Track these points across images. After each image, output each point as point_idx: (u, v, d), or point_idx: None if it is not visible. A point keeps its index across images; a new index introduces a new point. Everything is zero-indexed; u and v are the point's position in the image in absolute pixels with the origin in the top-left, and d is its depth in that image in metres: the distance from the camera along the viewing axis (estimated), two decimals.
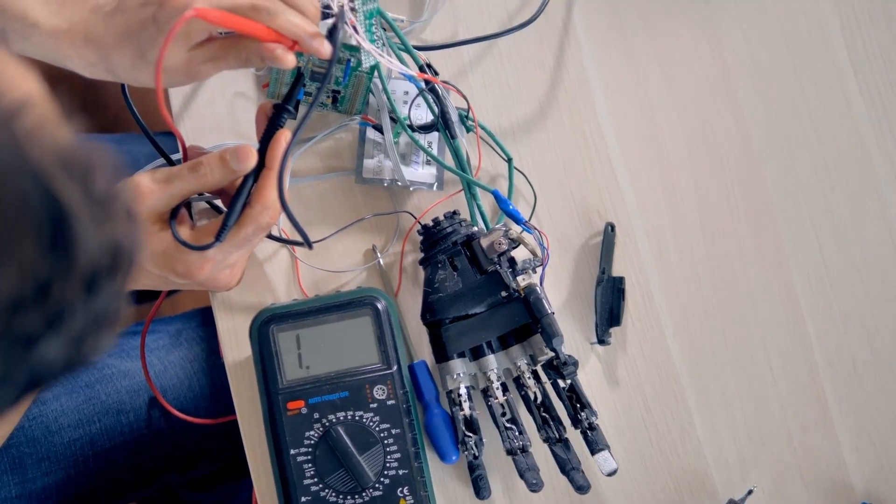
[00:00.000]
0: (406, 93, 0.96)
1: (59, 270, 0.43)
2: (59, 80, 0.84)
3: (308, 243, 0.85)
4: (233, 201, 0.83)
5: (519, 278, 0.91)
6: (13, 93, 0.45)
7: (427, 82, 0.91)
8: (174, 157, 0.92)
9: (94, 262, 0.45)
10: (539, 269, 0.92)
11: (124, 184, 0.82)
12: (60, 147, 0.44)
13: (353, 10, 0.86)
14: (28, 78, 0.48)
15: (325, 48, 0.80)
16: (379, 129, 0.95)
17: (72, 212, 0.43)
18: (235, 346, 0.94)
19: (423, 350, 0.95)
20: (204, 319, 1.18)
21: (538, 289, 0.90)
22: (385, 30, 0.93)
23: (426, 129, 0.94)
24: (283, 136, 0.83)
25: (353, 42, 0.87)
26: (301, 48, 0.80)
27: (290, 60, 0.79)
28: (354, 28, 0.86)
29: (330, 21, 0.84)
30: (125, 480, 1.12)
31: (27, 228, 0.42)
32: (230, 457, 1.17)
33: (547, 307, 0.89)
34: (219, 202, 0.93)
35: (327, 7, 0.86)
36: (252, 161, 0.82)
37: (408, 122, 0.93)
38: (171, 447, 1.12)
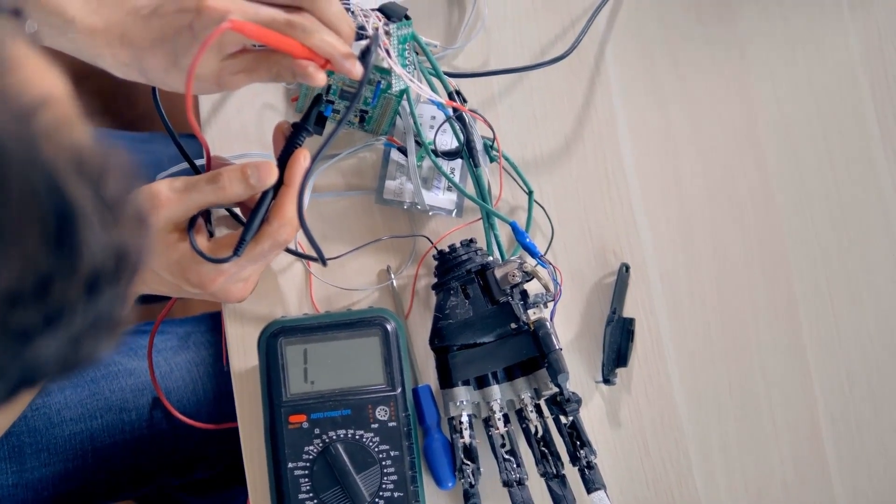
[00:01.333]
0: (433, 118, 0.96)
1: (61, 268, 0.44)
2: (87, 76, 0.85)
3: (322, 260, 0.85)
4: (251, 216, 0.83)
5: (530, 311, 0.91)
6: (35, 89, 0.45)
7: (455, 110, 0.92)
8: (198, 162, 0.93)
9: (98, 264, 0.45)
10: (550, 304, 0.92)
11: (140, 190, 0.83)
12: (76, 147, 0.44)
13: (387, 33, 0.87)
14: (52, 76, 0.48)
15: (357, 69, 0.81)
16: (403, 151, 0.95)
17: (80, 211, 0.44)
18: (242, 354, 0.95)
19: (428, 374, 0.95)
20: (214, 324, 1.19)
21: (548, 324, 0.90)
22: (417, 54, 0.93)
23: (450, 155, 0.95)
24: (302, 156, 0.84)
25: (385, 65, 0.88)
26: (333, 67, 0.81)
27: (321, 79, 0.80)
28: (387, 51, 0.87)
29: (364, 42, 0.85)
30: (122, 478, 1.12)
31: (33, 222, 0.42)
32: (228, 463, 1.17)
33: (555, 343, 0.89)
34: (237, 210, 0.93)
35: (362, 28, 0.87)
36: (272, 178, 0.82)
37: (432, 147, 0.94)
38: (170, 449, 1.13)
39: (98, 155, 0.46)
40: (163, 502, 1.32)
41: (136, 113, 1.67)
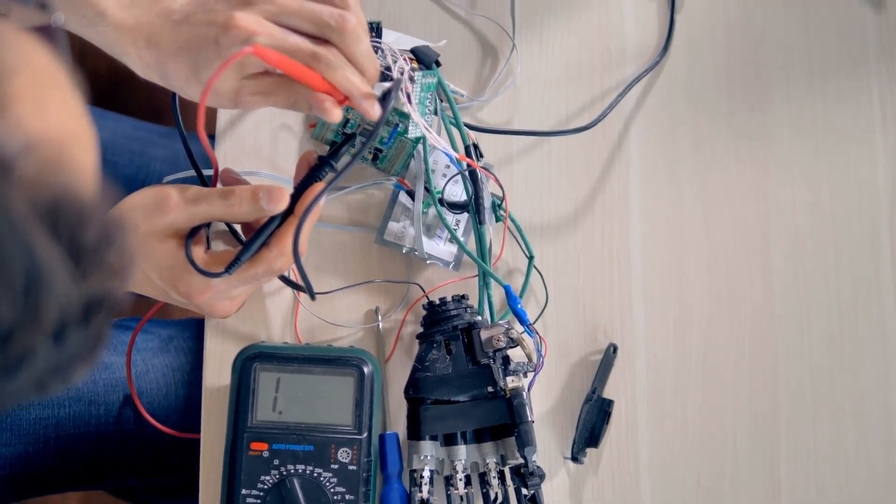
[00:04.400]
0: (447, 166, 0.95)
1: (24, 321, 0.43)
2: None
3: (311, 294, 0.84)
4: (252, 238, 0.83)
5: (509, 378, 0.90)
6: (24, 132, 0.44)
7: (468, 165, 0.91)
8: (206, 172, 0.92)
9: (64, 316, 0.44)
10: (530, 375, 0.91)
11: (150, 189, 0.83)
12: (56, 195, 0.43)
13: (411, 79, 0.86)
14: (57, 110, 0.47)
15: (375, 111, 0.80)
16: (412, 195, 0.94)
17: (47, 268, 0.42)
18: (217, 370, 0.94)
19: (399, 422, 0.94)
20: (198, 332, 1.18)
21: (524, 394, 0.89)
22: (441, 101, 0.93)
23: (457, 207, 0.94)
24: (318, 190, 0.83)
25: (405, 110, 0.87)
26: (351, 105, 0.80)
27: (336, 115, 0.79)
28: (408, 97, 0.86)
29: (387, 84, 0.84)
30: (81, 471, 1.11)
31: None
32: (188, 475, 1.16)
33: (528, 414, 0.88)
34: (238, 227, 0.93)
35: (388, 69, 0.86)
36: (283, 205, 0.81)
37: (440, 196, 0.93)
38: (133, 450, 1.12)
39: (79, 201, 0.45)
40: (123, 497, 1.31)
41: (168, 102, 1.67)
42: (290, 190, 0.84)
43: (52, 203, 0.43)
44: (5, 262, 0.41)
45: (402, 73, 0.86)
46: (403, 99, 0.86)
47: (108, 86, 1.52)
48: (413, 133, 0.87)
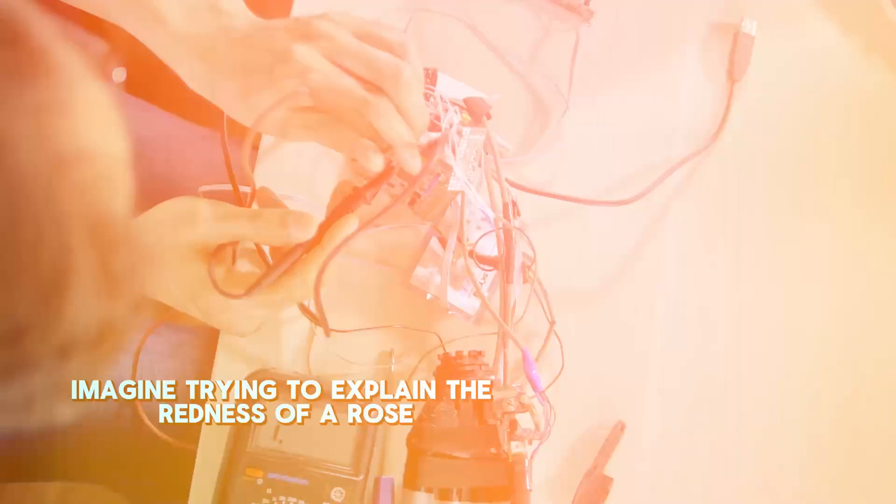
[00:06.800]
0: (483, 219, 0.95)
1: (38, 324, 0.42)
2: None
3: (326, 331, 0.84)
4: (276, 264, 0.82)
5: (513, 443, 0.89)
6: (84, 139, 0.44)
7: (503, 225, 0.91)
8: (244, 189, 0.92)
9: (77, 332, 0.44)
10: (535, 443, 0.90)
11: (181, 198, 0.82)
12: (100, 211, 0.43)
13: (459, 133, 0.86)
14: (112, 132, 0.47)
15: (416, 164, 0.80)
16: (444, 243, 0.94)
17: (76, 275, 0.42)
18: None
19: (396, 466, 0.93)
20: (209, 342, 1.17)
21: (526, 461, 0.88)
22: (486, 153, 0.92)
23: (486, 262, 0.93)
24: (349, 222, 0.82)
25: (449, 162, 0.86)
26: (394, 155, 0.79)
27: (376, 163, 0.78)
28: (454, 151, 0.85)
29: (434, 135, 0.83)
30: (70, 463, 1.10)
31: (28, 270, 0.41)
32: (178, 482, 1.16)
33: (527, 483, 0.87)
34: (266, 248, 0.92)
35: (438, 119, 0.86)
36: (310, 233, 0.81)
37: (471, 249, 0.93)
38: (126, 450, 1.11)
39: (119, 225, 0.45)
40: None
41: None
42: (321, 219, 0.83)
43: (96, 217, 0.43)
44: (39, 258, 0.41)
45: (450, 127, 0.85)
46: (448, 152, 0.85)
47: (154, 70, 1.52)
48: (453, 186, 0.87)
